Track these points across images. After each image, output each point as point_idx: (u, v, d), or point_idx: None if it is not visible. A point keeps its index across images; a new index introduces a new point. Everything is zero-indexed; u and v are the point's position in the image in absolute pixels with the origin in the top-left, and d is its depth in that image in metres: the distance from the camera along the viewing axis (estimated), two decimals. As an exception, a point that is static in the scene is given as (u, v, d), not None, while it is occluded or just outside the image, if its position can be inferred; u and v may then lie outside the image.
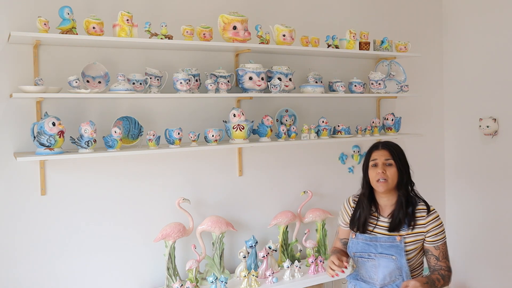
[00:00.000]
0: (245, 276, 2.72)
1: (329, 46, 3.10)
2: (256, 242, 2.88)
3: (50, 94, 2.29)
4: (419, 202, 2.13)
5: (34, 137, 2.29)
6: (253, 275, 2.74)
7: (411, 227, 2.06)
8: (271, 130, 2.89)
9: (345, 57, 3.40)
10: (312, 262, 2.93)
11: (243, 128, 2.74)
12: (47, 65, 2.48)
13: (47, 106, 2.47)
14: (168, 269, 2.68)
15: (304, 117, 3.24)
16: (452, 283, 3.92)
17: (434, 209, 2.11)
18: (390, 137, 3.36)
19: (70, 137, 2.40)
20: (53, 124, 2.28)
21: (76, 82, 2.35)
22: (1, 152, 2.40)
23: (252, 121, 2.82)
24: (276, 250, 2.93)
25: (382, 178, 2.06)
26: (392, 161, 2.08)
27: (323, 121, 3.09)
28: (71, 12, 2.34)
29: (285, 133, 2.91)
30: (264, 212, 3.12)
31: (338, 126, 3.17)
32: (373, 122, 3.30)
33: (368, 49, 3.21)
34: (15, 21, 2.40)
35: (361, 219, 2.12)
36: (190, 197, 2.83)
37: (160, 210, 2.79)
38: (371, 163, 2.11)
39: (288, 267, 2.84)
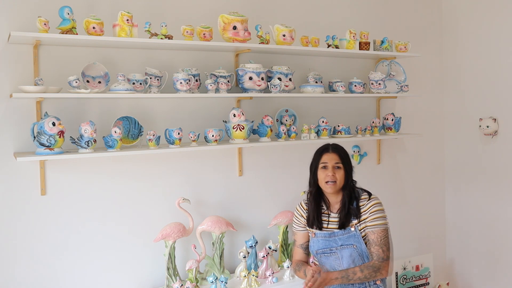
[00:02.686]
0: (245, 276, 2.72)
1: (329, 46, 3.10)
2: (256, 242, 2.88)
3: (50, 94, 2.29)
4: (362, 194, 2.29)
5: (34, 137, 2.29)
6: (253, 275, 2.74)
7: (359, 217, 2.24)
8: (271, 130, 2.89)
9: (345, 57, 3.40)
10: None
11: (243, 128, 2.74)
12: (47, 65, 2.48)
13: (47, 106, 2.47)
14: (168, 269, 2.68)
15: (304, 117, 3.24)
16: (452, 282, 3.93)
17: (375, 197, 2.28)
18: (390, 137, 3.37)
19: (70, 137, 2.40)
20: (53, 124, 2.28)
21: (76, 82, 2.35)
22: (1, 152, 2.40)
23: (252, 121, 2.82)
24: (276, 250, 2.93)
25: (332, 180, 2.21)
26: (341, 165, 2.24)
27: (323, 121, 3.09)
28: (71, 12, 2.33)
29: (285, 133, 2.91)
30: (264, 212, 3.12)
31: (338, 126, 3.17)
32: (373, 122, 3.30)
33: (368, 49, 3.21)
34: (15, 21, 2.40)
35: (314, 217, 2.27)
36: (190, 197, 2.83)
37: (160, 210, 2.79)
38: (321, 165, 2.25)
39: (288, 267, 2.84)
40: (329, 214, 2.28)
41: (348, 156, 2.32)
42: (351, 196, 2.26)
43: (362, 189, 2.33)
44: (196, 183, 2.90)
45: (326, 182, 2.22)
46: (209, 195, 2.95)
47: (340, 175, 2.22)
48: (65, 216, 2.55)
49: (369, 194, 2.30)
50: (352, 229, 2.22)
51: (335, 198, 2.29)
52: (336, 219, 2.26)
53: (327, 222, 2.27)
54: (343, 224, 2.23)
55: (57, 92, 2.34)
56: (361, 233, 2.23)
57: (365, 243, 2.24)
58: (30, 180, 2.46)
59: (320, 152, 2.29)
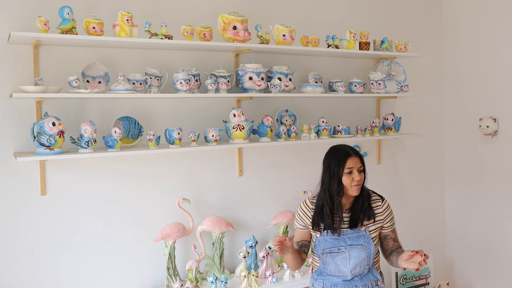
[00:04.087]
0: (245, 276, 2.72)
1: (329, 46, 3.10)
2: (256, 242, 2.89)
3: (50, 94, 2.29)
4: (372, 195, 2.32)
5: (34, 137, 2.29)
6: (253, 275, 2.74)
7: (372, 218, 2.25)
8: (271, 130, 2.89)
9: (345, 57, 3.40)
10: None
11: (243, 128, 2.74)
12: (47, 65, 2.48)
13: (47, 106, 2.47)
14: (168, 269, 2.68)
15: (304, 117, 3.24)
16: (452, 282, 3.93)
17: (386, 199, 2.33)
18: (390, 137, 3.37)
19: (70, 137, 2.40)
20: (53, 124, 2.28)
21: (76, 82, 2.35)
22: (1, 152, 2.40)
23: (252, 121, 2.82)
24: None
25: (359, 184, 2.22)
26: (362, 168, 2.26)
27: (323, 121, 3.09)
28: (71, 12, 2.34)
29: (285, 133, 2.91)
30: (264, 212, 3.12)
31: (338, 126, 3.17)
32: (373, 122, 3.30)
33: (368, 49, 3.21)
34: (15, 21, 2.40)
35: (334, 220, 2.23)
36: (190, 197, 2.83)
37: (160, 210, 2.79)
38: (346, 170, 2.22)
39: (288, 267, 2.84)
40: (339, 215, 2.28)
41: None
42: (363, 195, 2.28)
43: (370, 190, 2.35)
44: (196, 183, 2.90)
45: (353, 185, 2.20)
46: (209, 195, 2.95)
47: (361, 178, 2.24)
48: (65, 216, 2.55)
49: (380, 196, 2.32)
50: (362, 229, 2.23)
51: (346, 199, 2.27)
52: (347, 219, 2.26)
53: (337, 222, 2.26)
54: (354, 223, 2.23)
55: (57, 92, 2.34)
56: (371, 234, 2.23)
57: (375, 244, 2.25)
58: (30, 180, 2.46)
59: (344, 157, 2.23)
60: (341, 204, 2.23)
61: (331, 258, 2.23)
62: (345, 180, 2.21)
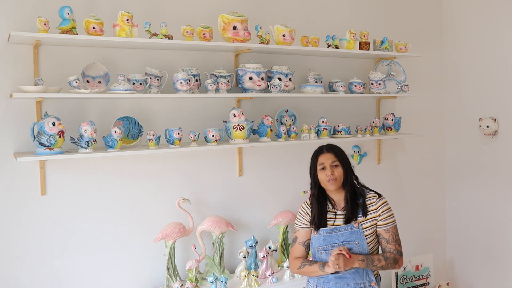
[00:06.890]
0: (245, 276, 2.72)
1: (329, 46, 3.10)
2: (256, 242, 2.88)
3: (50, 94, 2.29)
4: (368, 192, 2.34)
5: (34, 137, 2.29)
6: (253, 275, 2.74)
7: (366, 214, 2.27)
8: (271, 130, 2.89)
9: (345, 57, 3.40)
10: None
11: (243, 128, 2.74)
12: (47, 65, 2.48)
13: (47, 106, 2.47)
14: (168, 269, 2.68)
15: (304, 117, 3.24)
16: (452, 282, 3.93)
17: (383, 197, 2.34)
18: (390, 137, 3.37)
19: (70, 137, 2.40)
20: (53, 124, 2.28)
21: (76, 82, 2.35)
22: (1, 152, 2.40)
23: (252, 121, 2.82)
24: (276, 250, 2.93)
25: (332, 178, 2.27)
26: (338, 163, 2.30)
27: (323, 121, 3.09)
28: (71, 12, 2.34)
29: (285, 133, 2.92)
30: (264, 212, 3.12)
31: (338, 126, 3.17)
32: (373, 122, 3.30)
33: (368, 49, 3.21)
34: (15, 21, 2.40)
35: (318, 217, 2.30)
36: (190, 197, 2.83)
37: (160, 210, 2.79)
38: (319, 167, 2.32)
39: (288, 267, 2.84)
40: (335, 212, 2.31)
41: (344, 153, 2.35)
42: (355, 191, 2.30)
43: (368, 188, 2.36)
44: (196, 183, 2.90)
45: (328, 181, 2.27)
46: (209, 195, 2.95)
47: (338, 172, 2.28)
48: (65, 216, 2.55)
49: (377, 193, 2.34)
50: (355, 225, 2.24)
51: (338, 196, 2.32)
52: (343, 216, 2.28)
53: (333, 220, 2.29)
54: (349, 219, 2.26)
55: (57, 92, 2.34)
56: (364, 231, 2.24)
57: (371, 241, 2.25)
58: (30, 180, 2.46)
59: (316, 154, 2.35)
60: (318, 200, 2.30)
61: (326, 255, 2.26)
62: (320, 176, 2.30)
